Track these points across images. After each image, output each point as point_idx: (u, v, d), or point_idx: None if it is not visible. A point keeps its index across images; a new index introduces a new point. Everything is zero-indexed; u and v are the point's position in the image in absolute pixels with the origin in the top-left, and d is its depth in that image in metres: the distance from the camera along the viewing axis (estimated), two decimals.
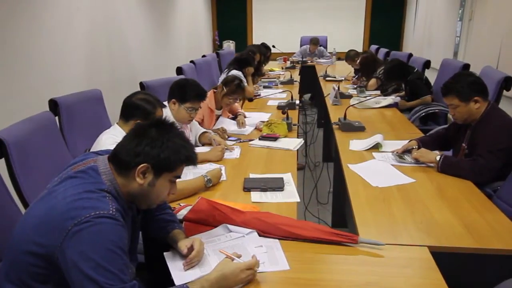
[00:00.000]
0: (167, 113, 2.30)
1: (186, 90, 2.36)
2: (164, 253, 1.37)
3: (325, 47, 8.10)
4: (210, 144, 2.49)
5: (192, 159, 1.25)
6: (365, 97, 3.76)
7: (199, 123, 2.84)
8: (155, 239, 1.46)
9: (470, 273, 1.46)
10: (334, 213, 3.14)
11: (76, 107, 2.43)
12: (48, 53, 3.38)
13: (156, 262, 1.44)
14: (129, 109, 1.88)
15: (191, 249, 1.29)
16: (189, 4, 7.73)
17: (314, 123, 5.61)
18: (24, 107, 2.58)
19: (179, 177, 1.26)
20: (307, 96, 7.58)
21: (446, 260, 1.40)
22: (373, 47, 7.13)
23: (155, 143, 1.18)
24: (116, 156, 1.20)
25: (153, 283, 1.53)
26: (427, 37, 6.98)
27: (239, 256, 1.25)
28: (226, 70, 4.26)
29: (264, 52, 5.62)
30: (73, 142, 2.31)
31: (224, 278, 1.16)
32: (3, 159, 1.67)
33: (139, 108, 1.87)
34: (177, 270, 1.28)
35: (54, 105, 2.29)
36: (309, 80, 6.16)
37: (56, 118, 2.28)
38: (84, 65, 3.94)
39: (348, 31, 9.13)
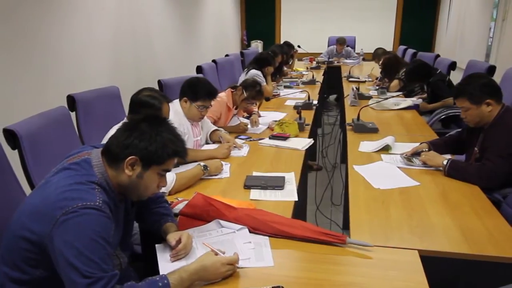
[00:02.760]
0: (177, 110, 2.36)
1: (197, 88, 2.40)
2: (156, 245, 1.41)
3: (353, 48, 7.99)
4: (220, 142, 2.53)
5: (180, 153, 1.28)
6: (385, 98, 3.70)
7: (216, 121, 2.89)
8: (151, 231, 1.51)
9: (465, 279, 1.42)
10: (345, 215, 3.11)
11: (93, 103, 2.53)
12: (73, 52, 3.54)
13: (152, 253, 1.49)
14: (136, 106, 1.94)
15: (179, 241, 1.33)
16: (217, 3, 7.83)
17: (337, 124, 5.56)
18: (48, 102, 2.71)
19: (168, 170, 1.30)
20: (332, 97, 7.51)
21: (442, 265, 1.38)
22: (401, 48, 6.98)
23: (144, 136, 1.22)
24: (107, 149, 1.25)
25: (150, 273, 1.58)
26: (459, 38, 6.77)
27: (223, 252, 1.27)
28: (246, 69, 4.30)
29: (287, 51, 5.61)
30: (89, 137, 2.40)
31: (204, 269, 1.19)
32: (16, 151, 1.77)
33: (146, 104, 1.93)
34: (164, 261, 1.32)
35: (71, 100, 2.40)
36: (335, 80, 6.12)
37: (74, 113, 2.40)
38: (108, 64, 4.08)
39: (378, 32, 8.97)
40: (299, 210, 2.88)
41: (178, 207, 1.61)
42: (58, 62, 3.35)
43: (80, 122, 2.40)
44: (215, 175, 2.03)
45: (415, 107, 3.56)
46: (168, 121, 1.33)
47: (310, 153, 4.32)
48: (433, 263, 1.36)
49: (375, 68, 5.32)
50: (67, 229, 1.09)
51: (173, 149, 1.25)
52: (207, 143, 2.62)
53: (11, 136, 1.75)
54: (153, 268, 1.49)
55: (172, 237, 1.35)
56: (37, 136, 1.85)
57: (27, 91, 2.99)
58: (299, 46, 6.77)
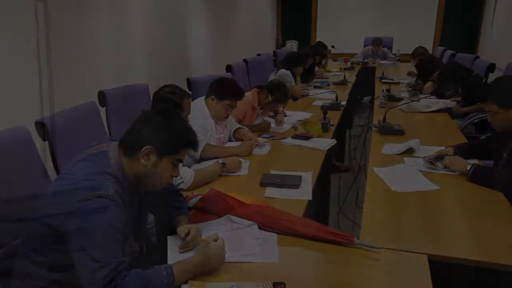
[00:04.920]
0: (201, 107, 2.41)
1: (226, 88, 2.46)
2: (168, 236, 1.47)
3: (390, 49, 7.81)
4: (243, 140, 2.56)
5: (193, 144, 1.35)
6: (417, 100, 3.60)
7: (240, 120, 2.93)
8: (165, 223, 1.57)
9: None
10: None
11: (123, 99, 2.63)
12: (110, 50, 3.69)
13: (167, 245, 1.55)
14: (159, 102, 2.02)
15: (188, 234, 1.38)
16: (254, 3, 7.88)
17: (368, 125, 5.46)
18: (83, 97, 2.86)
19: (181, 161, 1.37)
20: (367, 99, 7.37)
21: (452, 273, 1.35)
22: (440, 49, 6.76)
23: (158, 127, 1.30)
24: (124, 140, 1.33)
25: (164, 263, 1.64)
26: (504, 39, 6.46)
27: (215, 240, 1.31)
28: (275, 69, 4.31)
29: (320, 51, 5.57)
30: (117, 132, 2.51)
31: (208, 259, 1.24)
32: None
33: (167, 100, 2.00)
34: (173, 252, 1.37)
35: (102, 96, 2.52)
36: (371, 82, 6.00)
37: (105, 109, 2.51)
38: (142, 62, 4.23)
39: (417, 33, 8.67)
40: (321, 211, 2.88)
41: (193, 201, 1.66)
42: (94, 60, 3.51)
43: (109, 117, 2.51)
44: (233, 172, 2.07)
45: (447, 110, 3.45)
46: (179, 114, 1.38)
47: (338, 154, 4.29)
48: (443, 271, 1.33)
49: (404, 69, 5.18)
50: (82, 216, 1.16)
51: (186, 140, 1.33)
52: (230, 141, 2.67)
53: (42, 128, 1.87)
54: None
55: (181, 230, 1.40)
56: (66, 129, 1.97)
57: (65, 86, 3.15)
58: (333, 47, 6.70)
